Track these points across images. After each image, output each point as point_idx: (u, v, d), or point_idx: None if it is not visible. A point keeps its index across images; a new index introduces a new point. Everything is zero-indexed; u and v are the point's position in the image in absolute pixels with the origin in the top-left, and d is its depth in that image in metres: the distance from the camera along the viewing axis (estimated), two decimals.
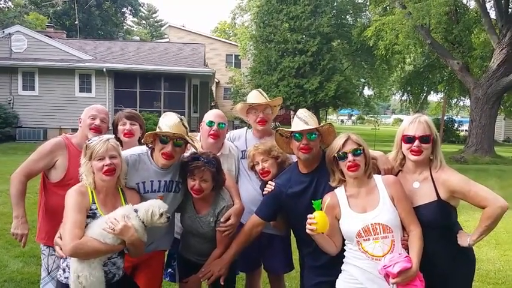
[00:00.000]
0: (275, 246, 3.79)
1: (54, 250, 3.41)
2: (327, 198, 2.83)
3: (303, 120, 3.09)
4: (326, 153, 3.00)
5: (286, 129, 3.20)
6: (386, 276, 2.62)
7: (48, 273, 3.51)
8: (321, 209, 2.71)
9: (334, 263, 2.97)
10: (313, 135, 3.05)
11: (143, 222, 2.87)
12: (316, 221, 2.68)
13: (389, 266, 2.59)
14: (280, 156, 3.48)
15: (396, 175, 2.98)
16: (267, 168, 3.48)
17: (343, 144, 2.83)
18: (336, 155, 2.85)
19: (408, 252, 2.71)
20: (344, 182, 2.91)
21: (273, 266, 3.91)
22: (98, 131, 3.52)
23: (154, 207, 2.90)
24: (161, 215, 2.91)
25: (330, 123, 3.16)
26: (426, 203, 2.82)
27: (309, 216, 2.73)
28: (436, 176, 2.85)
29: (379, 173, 2.98)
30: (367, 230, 2.72)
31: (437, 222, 2.79)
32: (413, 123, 2.89)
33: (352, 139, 2.85)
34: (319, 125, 3.12)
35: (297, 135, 3.07)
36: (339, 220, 2.86)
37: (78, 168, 3.11)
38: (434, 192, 2.82)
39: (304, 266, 3.37)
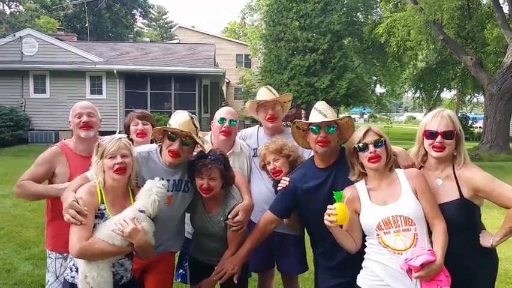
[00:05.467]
0: (288, 246, 3.71)
1: (61, 254, 3.34)
2: (348, 191, 2.73)
3: (321, 112, 2.99)
4: (346, 146, 2.90)
5: (303, 121, 3.10)
6: (409, 271, 2.51)
7: (57, 278, 3.41)
8: (341, 201, 2.63)
9: (348, 263, 2.89)
10: (332, 128, 2.96)
11: (151, 218, 2.82)
12: (336, 212, 2.59)
13: (411, 259, 2.49)
14: (291, 154, 3.39)
15: None
16: (279, 168, 3.38)
17: (364, 135, 2.74)
18: (356, 146, 2.76)
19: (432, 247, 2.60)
20: (364, 175, 2.81)
21: (287, 266, 3.82)
22: (87, 127, 3.42)
23: (158, 192, 2.84)
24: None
25: (349, 116, 3.06)
26: (449, 201, 2.70)
27: (329, 207, 2.64)
28: (459, 174, 2.73)
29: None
30: (387, 222, 2.61)
31: (459, 221, 2.67)
32: (435, 118, 2.76)
33: (373, 130, 2.76)
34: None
35: (314, 127, 2.97)
36: (359, 214, 2.76)
37: (80, 170, 3.05)
38: (457, 190, 2.70)
39: (318, 266, 3.27)
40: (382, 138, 2.72)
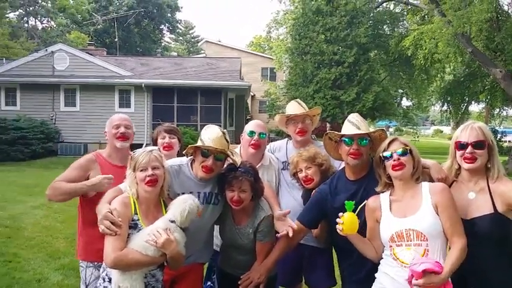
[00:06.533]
0: (317, 259, 3.69)
1: (92, 263, 3.39)
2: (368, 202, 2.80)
3: (354, 124, 3.00)
4: (374, 157, 2.90)
5: (336, 133, 3.11)
6: (410, 278, 2.48)
7: (86, 286, 3.44)
8: (353, 211, 2.67)
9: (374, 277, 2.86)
10: (364, 141, 2.97)
11: (182, 228, 2.84)
12: (342, 221, 2.66)
13: (415, 265, 2.47)
14: (324, 163, 3.39)
15: (450, 185, 2.82)
16: (310, 176, 3.39)
17: (389, 144, 2.76)
18: (381, 155, 2.77)
19: None
20: (391, 186, 2.80)
21: (315, 280, 3.77)
22: (124, 138, 3.52)
23: (191, 205, 2.88)
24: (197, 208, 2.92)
25: (382, 129, 3.06)
26: (482, 215, 2.64)
27: (340, 214, 2.69)
28: (494, 187, 2.68)
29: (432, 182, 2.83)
30: (400, 234, 2.61)
31: (493, 235, 2.62)
32: (465, 130, 2.75)
33: (399, 140, 2.77)
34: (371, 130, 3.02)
35: (347, 139, 2.98)
36: (379, 224, 2.76)
37: (113, 178, 3.13)
38: (491, 204, 2.64)
39: (346, 280, 3.26)
40: (407, 147, 2.71)
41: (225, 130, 3.23)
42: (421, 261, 2.47)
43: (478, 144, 2.70)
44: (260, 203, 3.31)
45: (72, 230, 5.16)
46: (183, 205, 2.86)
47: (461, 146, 2.75)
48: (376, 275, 2.79)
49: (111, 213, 2.71)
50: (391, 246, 2.64)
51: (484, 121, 28.00)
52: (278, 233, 3.32)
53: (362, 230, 2.82)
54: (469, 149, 2.70)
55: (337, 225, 2.69)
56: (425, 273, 2.42)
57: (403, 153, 2.69)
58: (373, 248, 2.83)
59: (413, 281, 2.46)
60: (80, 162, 3.47)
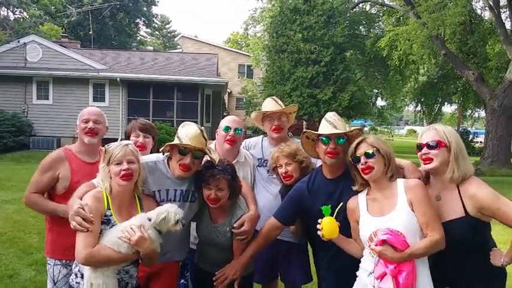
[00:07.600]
0: (293, 255, 3.71)
1: (60, 261, 3.33)
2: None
3: (331, 123, 3.01)
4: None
5: (313, 132, 3.12)
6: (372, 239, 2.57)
7: (54, 284, 3.35)
8: (330, 215, 2.71)
9: (354, 273, 2.88)
10: (341, 140, 2.98)
11: (157, 229, 2.81)
12: (321, 227, 2.70)
13: (382, 231, 2.52)
14: (304, 160, 3.41)
15: None
16: (290, 172, 3.40)
17: (356, 147, 2.77)
18: (350, 158, 2.78)
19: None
20: (368, 186, 2.82)
21: (291, 276, 3.79)
22: (92, 134, 3.41)
23: (170, 213, 2.83)
24: (176, 222, 2.85)
25: (359, 128, 3.07)
26: (453, 219, 2.62)
27: (319, 221, 2.72)
28: (463, 189, 2.65)
29: None
30: (377, 234, 2.60)
31: (467, 240, 2.58)
32: (424, 132, 2.81)
33: (366, 142, 2.76)
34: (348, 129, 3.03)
35: (324, 138, 2.99)
36: (359, 224, 2.79)
37: (81, 174, 3.09)
38: (462, 206, 2.63)
39: (323, 277, 3.26)
40: (373, 149, 2.70)
41: (202, 128, 3.19)
42: (388, 232, 2.50)
43: (430, 145, 2.70)
44: (238, 201, 3.30)
45: (44, 225, 5.07)
46: (163, 209, 2.84)
47: (418, 147, 2.78)
48: (357, 273, 2.79)
49: (83, 209, 2.66)
50: (369, 245, 2.63)
51: (457, 122, 28.56)
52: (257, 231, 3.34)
53: (344, 229, 2.84)
54: (424, 149, 2.72)
55: (318, 232, 2.72)
56: (384, 243, 2.47)
57: (371, 156, 2.68)
58: (359, 247, 2.83)
59: (371, 245, 2.53)
60: (48, 162, 3.34)
